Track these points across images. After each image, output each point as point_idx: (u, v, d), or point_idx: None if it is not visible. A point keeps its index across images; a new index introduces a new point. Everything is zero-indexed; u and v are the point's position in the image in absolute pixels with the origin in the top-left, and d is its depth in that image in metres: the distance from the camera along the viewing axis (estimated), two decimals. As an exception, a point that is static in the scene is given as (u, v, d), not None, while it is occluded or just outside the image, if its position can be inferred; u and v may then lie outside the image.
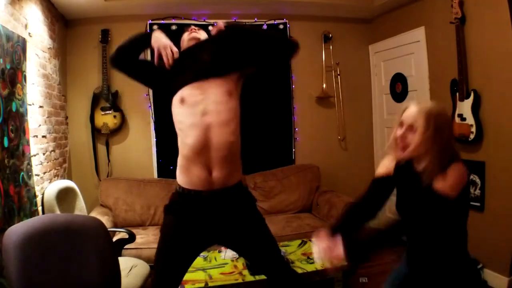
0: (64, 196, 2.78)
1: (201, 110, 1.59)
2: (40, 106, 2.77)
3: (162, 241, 1.71)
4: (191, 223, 1.68)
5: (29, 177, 2.41)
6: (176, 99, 1.68)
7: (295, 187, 3.70)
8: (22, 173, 2.28)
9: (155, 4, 3.50)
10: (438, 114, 1.31)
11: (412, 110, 1.34)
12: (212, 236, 1.73)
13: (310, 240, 2.93)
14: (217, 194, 1.64)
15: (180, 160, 1.68)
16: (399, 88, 3.85)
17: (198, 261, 2.59)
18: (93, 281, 1.70)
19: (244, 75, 1.77)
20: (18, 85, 2.31)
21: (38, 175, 2.61)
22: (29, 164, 2.42)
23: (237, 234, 1.73)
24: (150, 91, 3.76)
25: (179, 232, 1.68)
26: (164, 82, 1.74)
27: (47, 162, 2.87)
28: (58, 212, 2.58)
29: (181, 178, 1.68)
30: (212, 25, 3.86)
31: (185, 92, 1.64)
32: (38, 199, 2.56)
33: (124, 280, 2.12)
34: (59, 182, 2.83)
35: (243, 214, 1.75)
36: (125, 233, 2.72)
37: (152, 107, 3.77)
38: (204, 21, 3.82)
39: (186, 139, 1.61)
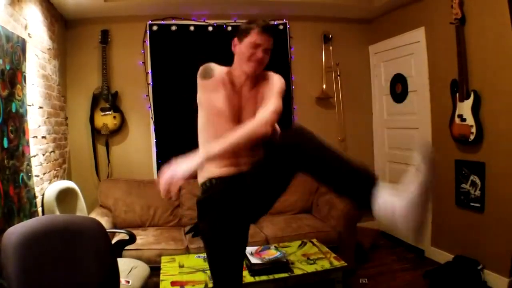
0: (64, 197, 2.77)
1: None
2: (40, 107, 2.77)
3: (219, 239, 1.63)
4: (235, 204, 1.62)
5: (29, 177, 2.40)
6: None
7: (294, 187, 3.68)
8: (21, 174, 2.27)
9: (155, 4, 3.50)
10: None
11: None
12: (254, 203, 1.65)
13: (310, 241, 2.93)
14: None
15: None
16: (399, 88, 3.85)
17: (198, 262, 2.59)
18: (92, 281, 1.70)
19: None
20: (18, 85, 2.31)
21: (37, 176, 2.61)
22: (29, 165, 2.42)
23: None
24: (150, 92, 3.76)
25: (229, 221, 1.62)
26: None
27: (47, 163, 2.86)
28: (57, 213, 2.57)
29: (213, 170, 1.63)
30: (212, 25, 3.90)
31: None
32: (38, 200, 2.56)
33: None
34: (59, 183, 2.83)
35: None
36: (125, 234, 2.72)
37: (152, 107, 3.77)
38: (204, 21, 3.83)
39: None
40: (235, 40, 1.68)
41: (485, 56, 2.78)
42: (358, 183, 1.39)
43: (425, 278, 2.95)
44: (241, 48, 1.64)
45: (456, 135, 3.01)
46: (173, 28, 3.76)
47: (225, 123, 1.61)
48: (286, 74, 4.03)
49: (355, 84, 4.26)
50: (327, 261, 2.53)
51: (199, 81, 1.64)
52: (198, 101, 1.68)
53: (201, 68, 1.63)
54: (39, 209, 2.56)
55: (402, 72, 3.80)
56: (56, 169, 3.11)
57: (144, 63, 3.75)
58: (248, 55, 1.61)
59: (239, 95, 1.68)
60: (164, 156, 3.80)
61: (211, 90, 1.62)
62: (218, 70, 1.64)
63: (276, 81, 1.70)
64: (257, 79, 1.70)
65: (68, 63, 3.60)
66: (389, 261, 3.45)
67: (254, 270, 2.36)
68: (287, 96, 4.02)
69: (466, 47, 2.89)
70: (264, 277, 2.33)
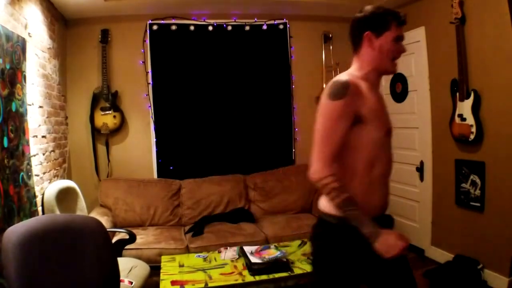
0: (64, 196, 2.77)
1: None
2: (40, 106, 2.77)
3: None
4: (355, 259, 1.44)
5: (29, 177, 2.40)
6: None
7: (295, 187, 3.69)
8: (22, 173, 2.27)
9: (155, 4, 3.50)
10: None
11: None
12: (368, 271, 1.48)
13: (309, 241, 2.93)
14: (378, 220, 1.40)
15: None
16: (399, 88, 3.85)
17: (198, 261, 2.59)
18: (92, 281, 1.70)
19: None
20: (18, 85, 2.31)
21: (37, 175, 2.61)
22: (29, 164, 2.42)
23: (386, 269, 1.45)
24: (150, 91, 3.76)
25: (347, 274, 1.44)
26: None
27: (47, 162, 2.86)
28: (57, 212, 2.57)
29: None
30: (212, 25, 3.90)
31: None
32: (38, 199, 2.56)
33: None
34: (59, 182, 2.83)
35: None
36: (125, 233, 2.72)
37: (152, 107, 3.77)
38: (204, 21, 3.82)
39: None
40: (369, 34, 1.42)
41: (485, 56, 2.78)
42: None
43: (425, 278, 2.95)
44: (382, 45, 1.40)
45: (456, 134, 3.01)
46: (173, 27, 3.75)
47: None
48: (286, 74, 4.03)
49: (355, 83, 4.25)
50: (327, 261, 2.53)
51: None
52: None
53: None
54: (39, 209, 2.56)
55: (402, 71, 3.79)
56: (56, 168, 3.11)
57: (144, 62, 3.75)
58: (395, 52, 1.40)
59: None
60: (164, 156, 3.81)
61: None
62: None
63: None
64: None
65: (68, 63, 3.60)
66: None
67: (254, 269, 2.36)
68: (287, 96, 4.05)
69: (466, 47, 2.89)
70: (264, 277, 2.33)
